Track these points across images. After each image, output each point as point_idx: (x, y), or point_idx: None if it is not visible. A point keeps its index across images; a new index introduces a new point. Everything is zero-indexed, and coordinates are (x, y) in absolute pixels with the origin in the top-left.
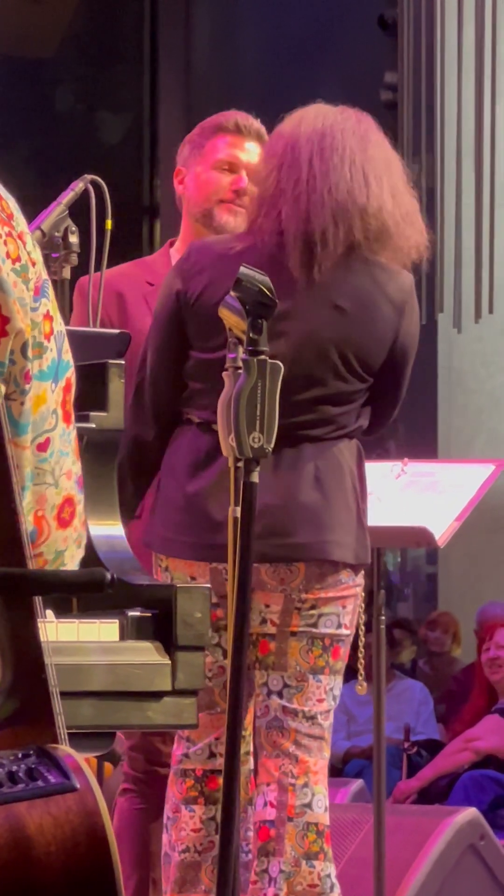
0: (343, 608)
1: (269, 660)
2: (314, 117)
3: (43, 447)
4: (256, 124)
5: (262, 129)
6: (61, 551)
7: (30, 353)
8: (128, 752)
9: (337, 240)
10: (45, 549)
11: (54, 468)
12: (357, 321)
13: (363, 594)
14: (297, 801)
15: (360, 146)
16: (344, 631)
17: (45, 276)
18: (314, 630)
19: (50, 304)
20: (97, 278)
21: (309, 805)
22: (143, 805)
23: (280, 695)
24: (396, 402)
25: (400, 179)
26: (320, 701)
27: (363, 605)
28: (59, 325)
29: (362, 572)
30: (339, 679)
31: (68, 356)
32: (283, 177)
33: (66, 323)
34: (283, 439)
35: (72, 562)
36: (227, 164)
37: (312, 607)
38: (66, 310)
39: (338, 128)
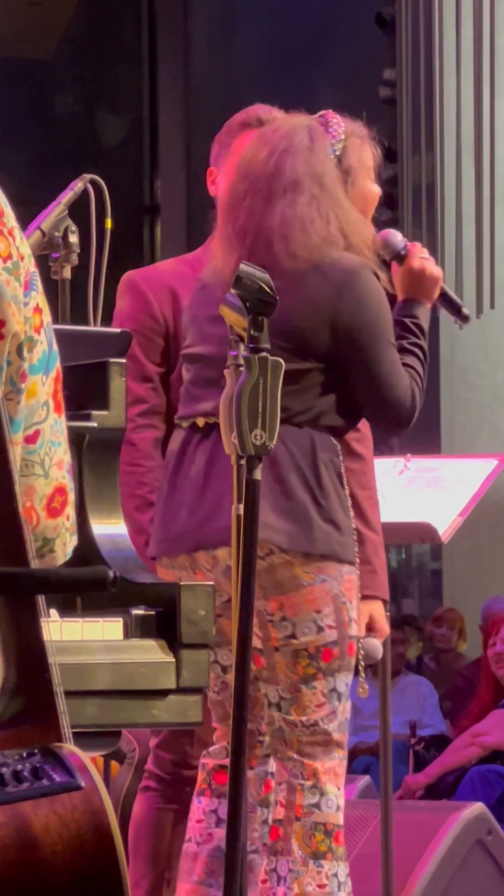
0: (318, 612)
1: (263, 674)
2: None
3: (32, 439)
4: (280, 115)
5: None
6: (51, 539)
7: (24, 352)
8: (154, 750)
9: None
10: (33, 538)
11: (44, 459)
12: (285, 299)
13: (357, 591)
14: (304, 800)
15: (319, 201)
16: (329, 633)
17: (33, 269)
18: (294, 641)
19: (39, 296)
20: (98, 277)
21: (317, 805)
22: (164, 805)
23: (279, 707)
24: (375, 387)
25: (341, 196)
26: (319, 706)
27: (357, 602)
28: (48, 317)
29: (335, 570)
30: (342, 675)
31: (56, 346)
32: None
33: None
34: None
35: (63, 549)
36: None
37: (283, 619)
38: (67, 308)
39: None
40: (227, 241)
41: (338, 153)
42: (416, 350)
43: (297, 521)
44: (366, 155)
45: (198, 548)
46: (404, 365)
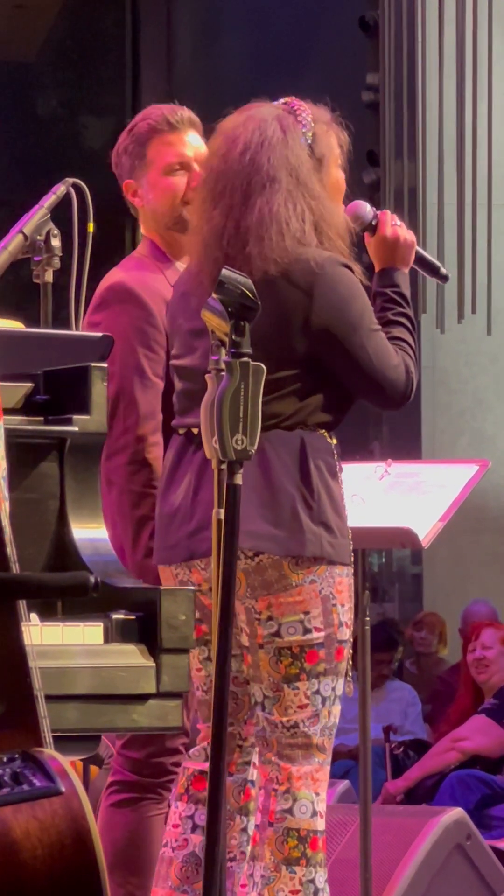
0: (306, 613)
1: (250, 672)
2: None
3: None
4: (186, 113)
5: (192, 115)
6: None
7: None
8: (121, 752)
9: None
10: None
11: None
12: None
13: (350, 592)
14: (277, 806)
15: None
16: (316, 635)
17: None
18: (278, 640)
19: None
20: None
21: (290, 811)
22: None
23: (263, 706)
24: (366, 376)
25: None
26: (301, 707)
27: (351, 603)
28: None
29: (325, 571)
30: (329, 679)
31: None
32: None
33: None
34: None
35: None
36: (178, 166)
37: (270, 618)
38: (49, 312)
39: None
40: (202, 244)
41: (309, 142)
42: (402, 319)
43: (287, 527)
44: (333, 141)
45: (192, 557)
46: (393, 338)
